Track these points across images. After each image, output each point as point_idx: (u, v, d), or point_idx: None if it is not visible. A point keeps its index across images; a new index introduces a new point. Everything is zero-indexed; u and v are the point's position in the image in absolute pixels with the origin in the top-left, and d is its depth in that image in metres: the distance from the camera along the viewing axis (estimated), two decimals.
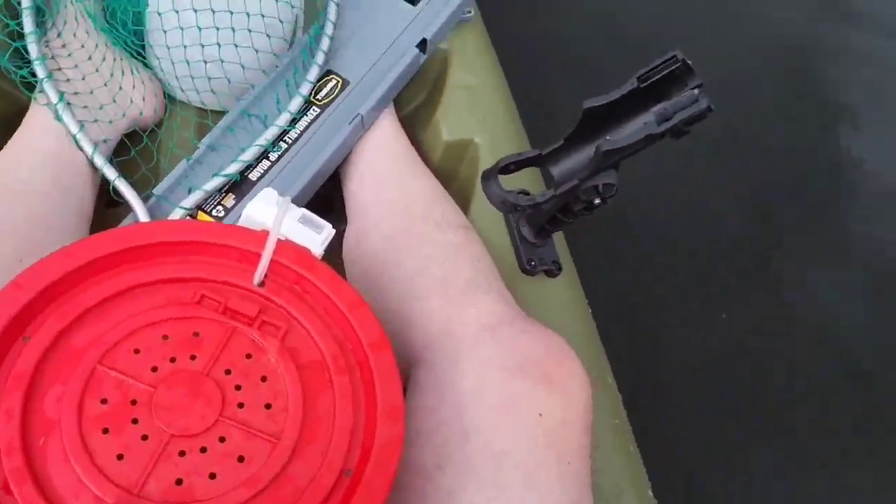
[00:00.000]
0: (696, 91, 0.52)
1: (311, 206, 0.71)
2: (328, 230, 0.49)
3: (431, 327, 0.51)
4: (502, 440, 0.44)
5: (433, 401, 0.46)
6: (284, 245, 0.46)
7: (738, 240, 1.22)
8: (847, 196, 1.30)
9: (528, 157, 0.62)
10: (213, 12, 0.63)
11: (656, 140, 0.54)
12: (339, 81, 0.71)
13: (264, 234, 0.45)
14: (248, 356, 0.42)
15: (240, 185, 0.65)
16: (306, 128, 0.68)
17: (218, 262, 0.45)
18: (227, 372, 0.41)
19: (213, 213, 0.63)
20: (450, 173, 0.72)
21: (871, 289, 1.21)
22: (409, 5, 0.77)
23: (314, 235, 0.49)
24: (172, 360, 0.40)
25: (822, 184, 1.31)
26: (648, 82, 0.54)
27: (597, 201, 0.59)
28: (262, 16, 0.65)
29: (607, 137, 0.57)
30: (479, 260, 0.57)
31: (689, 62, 0.53)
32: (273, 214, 0.47)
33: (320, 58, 0.69)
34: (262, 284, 0.45)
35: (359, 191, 0.66)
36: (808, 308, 1.16)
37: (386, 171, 0.65)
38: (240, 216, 0.52)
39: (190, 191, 0.62)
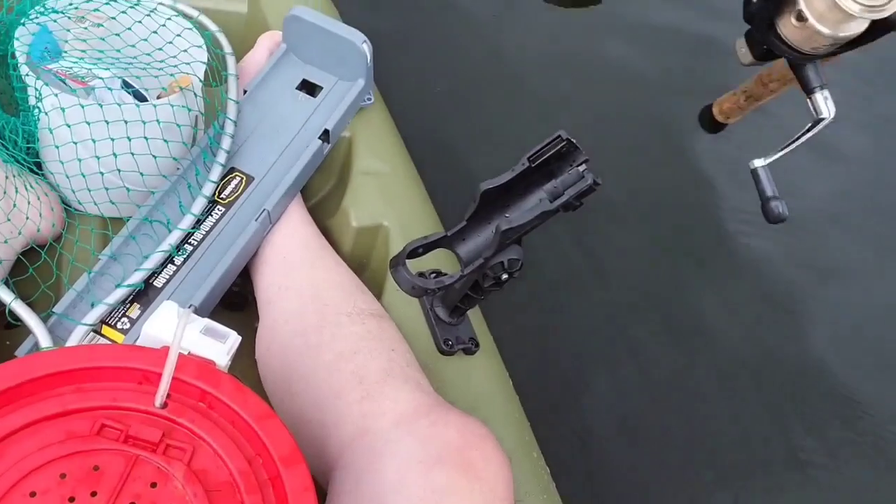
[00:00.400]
0: (581, 168, 0.54)
1: (225, 304, 0.71)
2: (233, 338, 0.48)
3: (347, 428, 0.50)
4: None
5: (352, 503, 0.46)
6: (186, 360, 0.45)
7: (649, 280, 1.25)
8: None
9: (434, 240, 0.63)
10: (107, 123, 0.63)
11: (552, 215, 0.56)
12: (242, 178, 0.71)
13: (164, 352, 0.44)
14: (154, 485, 0.40)
15: (145, 294, 0.63)
16: (211, 228, 0.67)
17: (118, 387, 0.44)
18: None
19: (119, 325, 0.62)
20: (362, 260, 0.73)
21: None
22: (308, 97, 0.78)
23: (219, 346, 0.48)
24: (71, 499, 0.38)
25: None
26: (539, 161, 0.56)
27: (504, 277, 0.61)
28: (158, 122, 0.65)
29: (507, 215, 0.59)
30: (394, 349, 0.57)
31: (573, 140, 0.55)
32: (173, 329, 0.46)
33: (222, 157, 0.70)
34: (164, 406, 0.43)
35: (268, 287, 0.65)
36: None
37: (295, 265, 0.65)
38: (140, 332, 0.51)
39: (93, 305, 0.61)
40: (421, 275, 0.68)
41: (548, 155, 0.56)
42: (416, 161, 0.83)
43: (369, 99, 0.82)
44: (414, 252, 0.62)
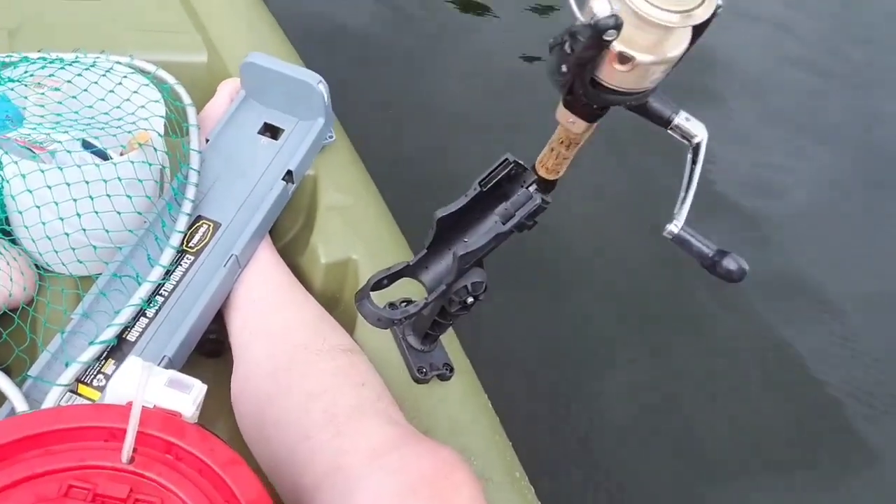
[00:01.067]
0: (530, 189, 0.55)
1: (203, 351, 0.72)
2: (198, 388, 0.49)
3: (321, 467, 0.51)
4: None
5: None
6: (151, 414, 0.45)
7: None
8: None
9: (398, 270, 0.63)
10: (69, 185, 0.64)
11: (506, 237, 0.57)
12: (210, 225, 0.72)
13: (129, 407, 0.45)
14: None
15: (119, 349, 0.64)
16: (181, 278, 0.68)
17: (86, 446, 0.45)
18: None
19: (94, 383, 0.62)
20: (333, 295, 0.74)
21: None
22: (271, 140, 0.79)
23: (184, 396, 0.48)
24: None
25: None
26: (490, 185, 0.57)
27: (470, 300, 0.62)
28: (120, 179, 0.66)
29: (465, 240, 0.60)
30: (365, 383, 0.58)
31: (520, 162, 0.56)
32: (137, 384, 0.47)
33: (187, 206, 0.71)
34: (131, 461, 0.44)
35: (241, 331, 0.66)
36: None
37: (264, 308, 0.66)
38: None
39: (67, 365, 0.61)
40: (391, 305, 0.69)
41: (498, 178, 0.57)
42: (383, 192, 0.84)
43: (331, 136, 0.83)
44: (378, 284, 0.63)
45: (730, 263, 0.44)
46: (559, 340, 1.18)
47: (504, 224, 0.55)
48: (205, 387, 0.50)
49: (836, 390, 1.20)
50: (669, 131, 0.44)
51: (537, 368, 1.13)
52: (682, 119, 0.43)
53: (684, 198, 0.43)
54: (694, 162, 0.41)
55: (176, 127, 0.75)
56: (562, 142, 0.50)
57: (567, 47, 0.39)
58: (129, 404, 0.45)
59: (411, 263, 0.62)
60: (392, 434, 0.52)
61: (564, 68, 0.41)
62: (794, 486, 1.09)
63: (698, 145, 0.42)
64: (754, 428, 1.14)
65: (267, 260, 0.71)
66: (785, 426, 1.15)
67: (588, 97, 0.42)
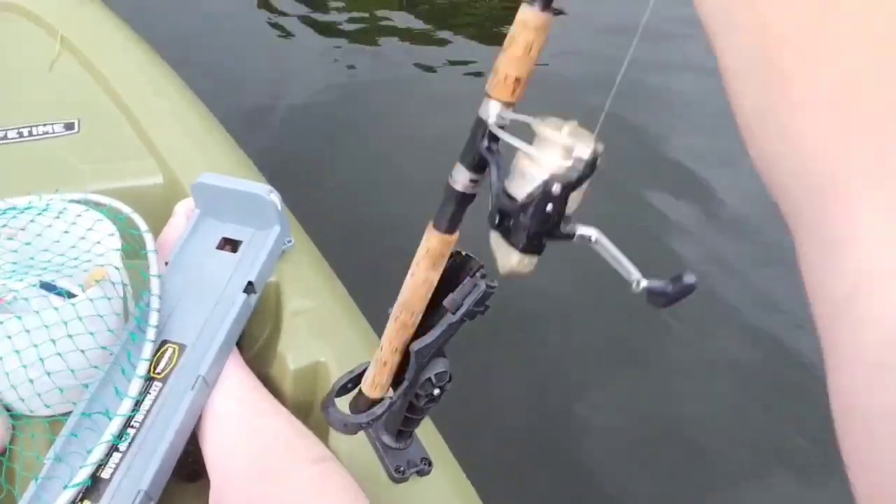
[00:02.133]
0: (476, 276, 0.56)
1: (182, 475, 0.71)
2: None
3: None
4: None
5: None
6: None
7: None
8: None
9: (361, 372, 0.64)
10: (28, 332, 0.64)
11: (458, 327, 0.57)
12: (175, 348, 0.73)
13: None
14: None
15: (94, 488, 0.63)
16: (151, 406, 0.68)
17: None
18: None
19: None
20: (305, 401, 0.74)
21: None
22: (230, 253, 0.81)
23: None
24: None
25: None
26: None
27: (436, 391, 0.62)
28: (80, 318, 0.67)
29: (418, 335, 0.61)
30: (342, 490, 0.58)
31: (464, 252, 0.57)
32: None
33: (151, 333, 0.71)
34: None
35: (213, 451, 0.66)
36: None
37: (234, 426, 0.66)
38: None
39: None
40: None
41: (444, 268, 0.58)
42: (350, 286, 0.85)
43: (290, 241, 0.85)
44: (343, 388, 0.63)
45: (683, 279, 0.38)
46: (542, 397, 1.17)
47: (454, 314, 0.56)
48: None
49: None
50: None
51: (524, 435, 1.12)
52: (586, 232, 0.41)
53: (622, 263, 0.39)
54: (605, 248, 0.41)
55: (133, 255, 0.76)
56: None
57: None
58: None
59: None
60: None
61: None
62: None
63: (598, 240, 0.42)
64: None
65: (235, 376, 0.71)
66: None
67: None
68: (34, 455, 0.67)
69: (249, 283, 0.77)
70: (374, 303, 0.86)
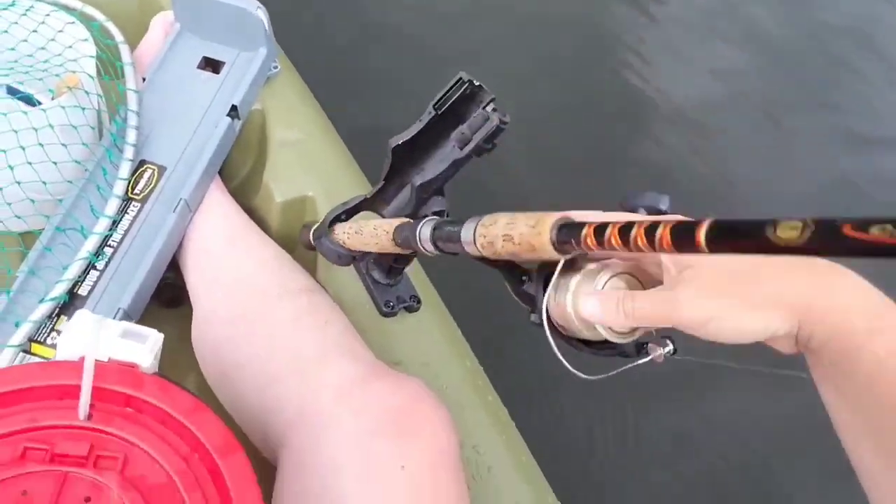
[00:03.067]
0: (487, 109, 0.53)
1: (162, 301, 0.69)
2: (154, 337, 0.47)
3: (288, 409, 0.50)
4: None
5: (298, 482, 0.45)
6: (106, 368, 0.44)
7: None
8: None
9: (355, 204, 0.61)
10: None
11: (465, 163, 0.55)
12: (154, 170, 0.69)
13: (81, 363, 0.43)
14: (87, 499, 0.39)
15: (71, 304, 0.61)
16: (129, 227, 0.65)
17: (38, 406, 0.43)
18: None
19: (48, 341, 0.60)
20: (292, 236, 0.71)
21: None
22: (212, 74, 0.75)
23: (140, 347, 0.46)
24: None
25: None
26: (444, 108, 0.55)
27: None
28: (51, 126, 0.62)
29: (422, 167, 0.58)
30: (328, 322, 0.56)
31: (475, 81, 0.54)
32: (88, 338, 0.45)
33: (129, 152, 0.67)
34: (89, 417, 0.42)
35: (196, 279, 0.64)
36: None
37: (218, 254, 0.64)
38: None
39: (17, 325, 0.59)
40: None
41: (453, 100, 0.54)
42: (336, 124, 0.81)
43: (275, 67, 0.79)
44: (336, 219, 0.61)
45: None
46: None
47: (461, 149, 0.53)
48: (161, 336, 0.48)
49: None
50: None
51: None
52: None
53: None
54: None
55: (109, 67, 0.70)
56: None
57: None
58: (82, 359, 0.43)
59: (368, 196, 0.60)
60: (357, 372, 0.51)
61: None
62: None
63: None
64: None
65: (218, 202, 0.68)
66: None
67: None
68: (4, 269, 0.64)
69: (233, 106, 0.72)
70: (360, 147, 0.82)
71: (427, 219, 0.48)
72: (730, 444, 1.06)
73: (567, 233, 0.36)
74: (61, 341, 0.47)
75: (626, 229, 0.32)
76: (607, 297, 0.38)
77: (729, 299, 0.35)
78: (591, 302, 0.38)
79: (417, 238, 0.48)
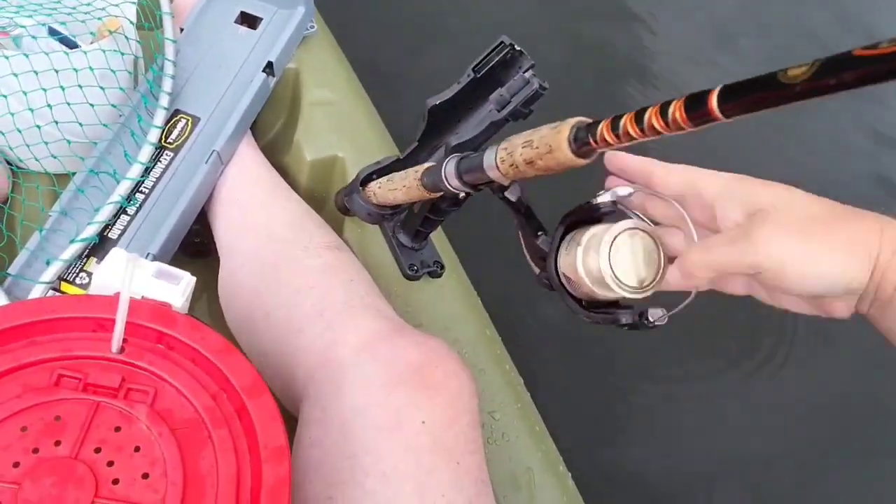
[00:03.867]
0: (527, 73, 0.53)
1: (188, 252, 0.70)
2: (187, 280, 0.48)
3: (311, 360, 0.50)
4: (389, 456, 0.43)
5: (319, 432, 0.46)
6: (140, 304, 0.44)
7: None
8: None
9: (388, 164, 0.62)
10: (36, 73, 0.60)
11: (501, 126, 0.55)
12: (188, 120, 0.69)
13: (116, 298, 0.44)
14: (118, 429, 0.40)
15: (101, 247, 0.62)
16: (161, 175, 0.66)
17: (73, 337, 0.43)
18: (97, 450, 0.39)
19: (77, 281, 0.61)
20: (321, 194, 0.72)
21: None
22: (249, 30, 0.75)
23: (173, 288, 0.47)
24: (35, 450, 0.38)
25: None
26: (483, 71, 0.54)
27: (462, 195, 0.60)
28: (91, 68, 0.62)
29: (457, 132, 0.58)
30: (353, 279, 0.57)
31: (516, 46, 0.54)
32: (122, 275, 0.45)
33: (164, 100, 0.67)
34: (122, 350, 0.43)
35: (225, 231, 0.64)
36: None
37: (248, 206, 0.64)
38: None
39: (48, 263, 0.59)
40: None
41: (492, 63, 0.54)
42: (366, 87, 0.81)
43: (312, 27, 0.79)
44: (368, 178, 0.61)
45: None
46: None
47: (499, 112, 0.53)
48: (194, 279, 0.49)
49: None
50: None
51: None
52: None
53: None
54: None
55: (149, 15, 0.71)
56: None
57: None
58: (117, 295, 0.44)
59: (402, 157, 0.60)
60: (381, 326, 0.51)
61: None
62: None
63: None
64: None
65: (250, 157, 0.69)
66: None
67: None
68: (38, 206, 0.65)
69: (269, 63, 0.72)
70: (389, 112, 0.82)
71: (452, 156, 0.49)
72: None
73: (584, 131, 0.37)
74: (96, 276, 0.48)
75: (639, 115, 0.33)
76: (692, 251, 0.37)
77: (808, 241, 0.33)
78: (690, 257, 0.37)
79: (443, 173, 0.48)
